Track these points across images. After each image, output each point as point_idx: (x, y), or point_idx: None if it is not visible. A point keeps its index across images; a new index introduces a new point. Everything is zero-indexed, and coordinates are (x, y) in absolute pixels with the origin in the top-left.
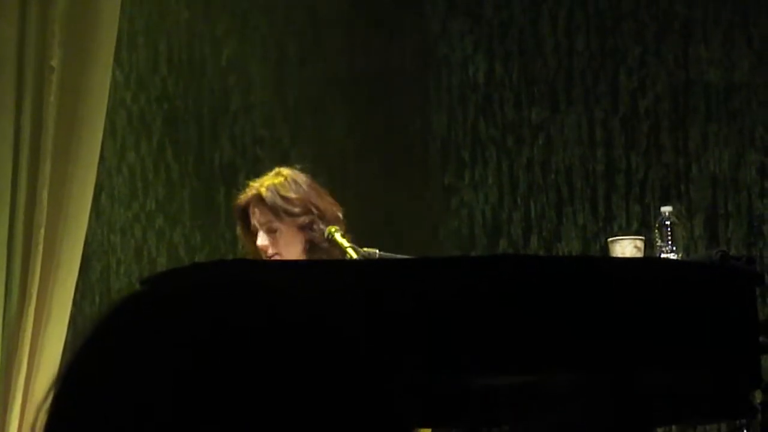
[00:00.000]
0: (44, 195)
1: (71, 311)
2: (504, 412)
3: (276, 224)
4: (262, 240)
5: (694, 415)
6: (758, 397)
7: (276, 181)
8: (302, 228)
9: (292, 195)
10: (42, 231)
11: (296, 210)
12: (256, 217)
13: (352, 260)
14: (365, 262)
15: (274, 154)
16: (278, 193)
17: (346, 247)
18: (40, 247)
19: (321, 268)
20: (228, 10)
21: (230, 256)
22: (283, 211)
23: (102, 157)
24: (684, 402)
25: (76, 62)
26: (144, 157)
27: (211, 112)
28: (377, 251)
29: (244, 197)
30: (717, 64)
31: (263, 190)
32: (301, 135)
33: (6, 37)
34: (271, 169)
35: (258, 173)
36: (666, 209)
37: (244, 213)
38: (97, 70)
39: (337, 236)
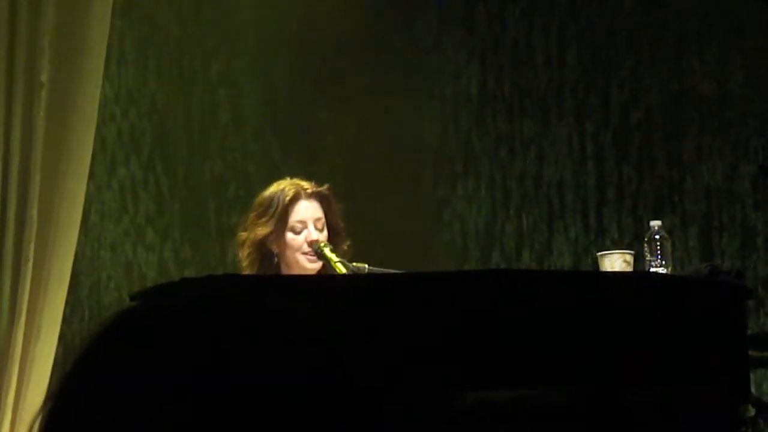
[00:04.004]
0: (34, 210)
1: (61, 327)
2: (494, 427)
3: (325, 229)
4: (317, 235)
5: (681, 430)
6: (750, 411)
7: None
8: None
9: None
10: (32, 246)
11: (342, 225)
12: (324, 211)
13: (341, 275)
14: (354, 277)
15: (264, 168)
16: (337, 206)
17: (335, 262)
18: (30, 263)
19: (311, 283)
20: (217, 24)
21: (220, 271)
22: (338, 219)
23: (92, 172)
24: (672, 416)
25: (65, 78)
26: (134, 171)
27: (200, 126)
28: (366, 266)
29: (322, 189)
30: (710, 75)
31: (331, 195)
32: (291, 149)
33: None
34: (261, 183)
35: (248, 187)
36: (655, 223)
37: (322, 199)
38: (87, 85)
39: (327, 251)
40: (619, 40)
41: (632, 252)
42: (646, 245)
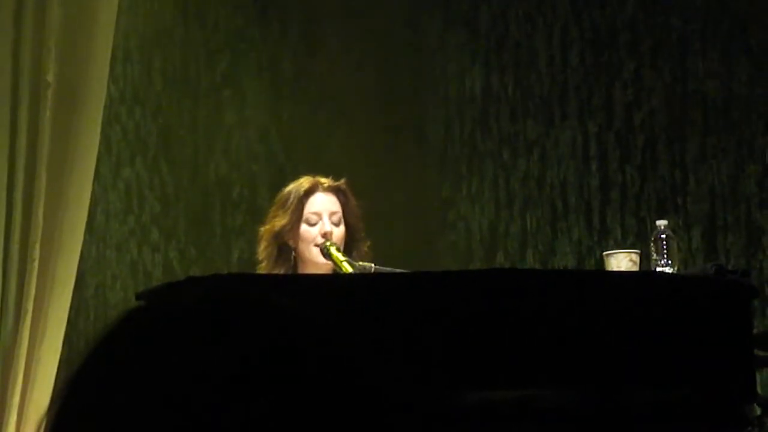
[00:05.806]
0: (40, 210)
1: (66, 327)
2: (497, 427)
3: (342, 225)
4: (331, 228)
5: (686, 430)
6: (756, 411)
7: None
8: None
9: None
10: (37, 247)
11: (361, 225)
12: (342, 206)
13: (347, 274)
14: (360, 277)
15: (268, 169)
16: (355, 204)
17: (342, 261)
18: (36, 263)
19: (316, 282)
20: (222, 25)
21: (225, 271)
22: (356, 218)
23: (97, 172)
24: (677, 417)
25: (71, 77)
26: (139, 171)
27: (205, 126)
28: (372, 265)
29: (339, 183)
30: (715, 75)
31: (348, 191)
32: (295, 149)
33: (1, 53)
34: (265, 183)
35: (253, 188)
36: (661, 223)
37: (339, 193)
38: (93, 85)
39: (333, 250)
40: (621, 40)
41: (638, 251)
42: (652, 245)
